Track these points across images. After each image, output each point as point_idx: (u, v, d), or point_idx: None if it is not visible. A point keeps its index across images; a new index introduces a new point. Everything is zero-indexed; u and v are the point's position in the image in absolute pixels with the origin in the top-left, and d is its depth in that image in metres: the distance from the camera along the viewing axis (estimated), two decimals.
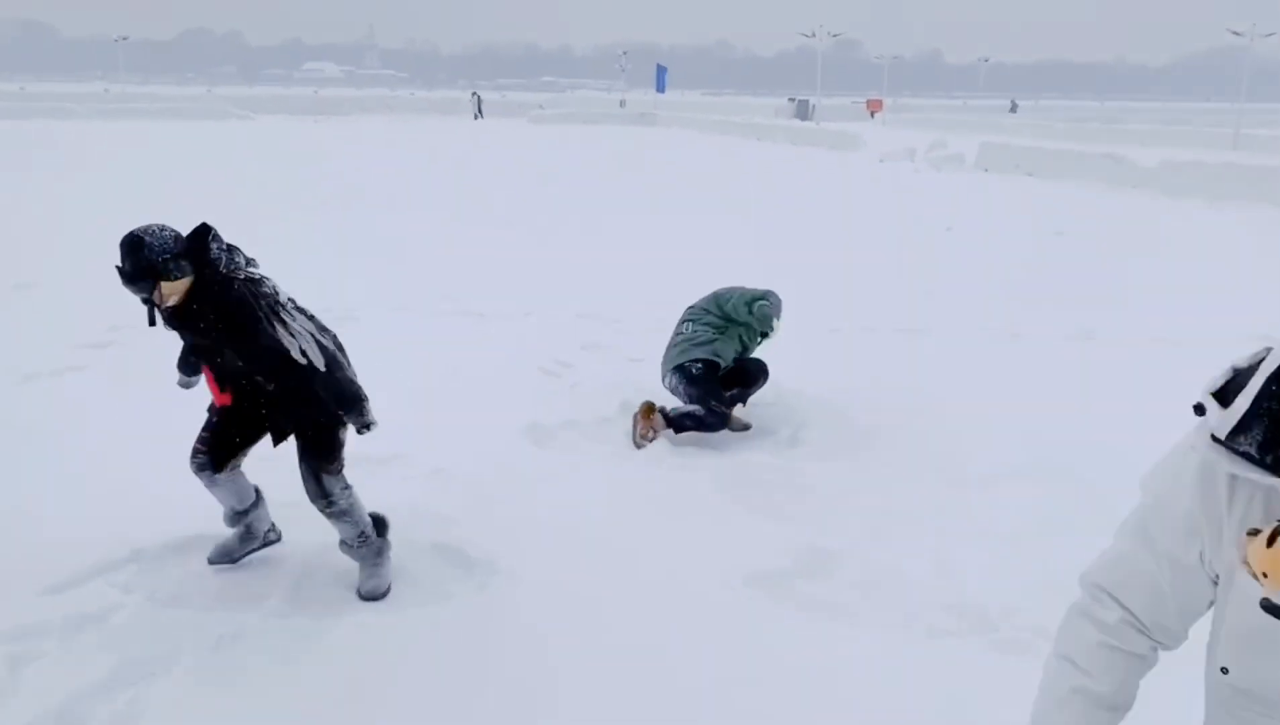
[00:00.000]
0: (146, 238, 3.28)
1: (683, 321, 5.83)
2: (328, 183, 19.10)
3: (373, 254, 11.25)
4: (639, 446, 5.40)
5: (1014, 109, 70.40)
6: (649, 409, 5.48)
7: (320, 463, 3.66)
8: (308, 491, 3.69)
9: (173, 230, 3.37)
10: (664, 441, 5.50)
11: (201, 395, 5.33)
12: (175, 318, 3.46)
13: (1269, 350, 1.34)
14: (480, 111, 54.48)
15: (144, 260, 3.26)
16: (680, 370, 5.57)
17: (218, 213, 13.78)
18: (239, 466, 3.86)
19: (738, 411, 5.71)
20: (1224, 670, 1.45)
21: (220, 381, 3.69)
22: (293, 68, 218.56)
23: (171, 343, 7.13)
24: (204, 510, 4.42)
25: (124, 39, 71.82)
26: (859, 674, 3.33)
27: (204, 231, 3.38)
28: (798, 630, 3.59)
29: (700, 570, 3.99)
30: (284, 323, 3.45)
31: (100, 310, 8.01)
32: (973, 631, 3.63)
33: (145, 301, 3.39)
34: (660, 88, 56.58)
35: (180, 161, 23.71)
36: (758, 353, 5.88)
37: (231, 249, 3.46)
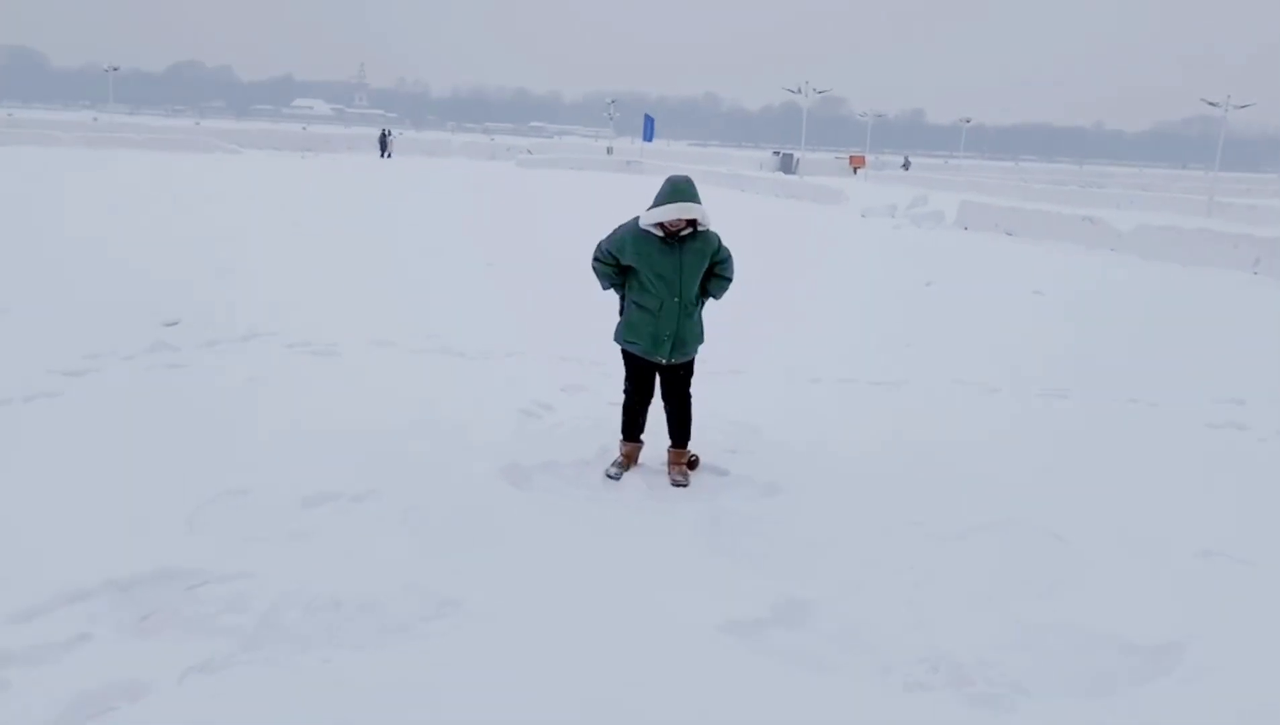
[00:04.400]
0: None
1: None
2: (314, 215, 19.12)
3: (356, 289, 11.24)
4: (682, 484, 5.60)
5: (906, 166, 71.79)
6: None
7: None
8: None
9: None
10: (644, 485, 5.49)
11: (181, 424, 5.32)
12: None
13: None
14: (387, 151, 52.87)
15: None
16: None
17: (195, 243, 13.69)
18: None
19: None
20: None
21: None
22: (282, 104, 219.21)
23: (145, 375, 7.11)
24: (178, 539, 4.38)
25: (115, 69, 71.83)
26: None
27: None
28: (773, 681, 3.56)
29: (674, 617, 3.96)
30: None
31: (76, 339, 7.96)
32: (948, 685, 3.62)
33: None
34: (648, 137, 57.11)
35: (161, 191, 23.67)
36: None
37: None
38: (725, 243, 5.53)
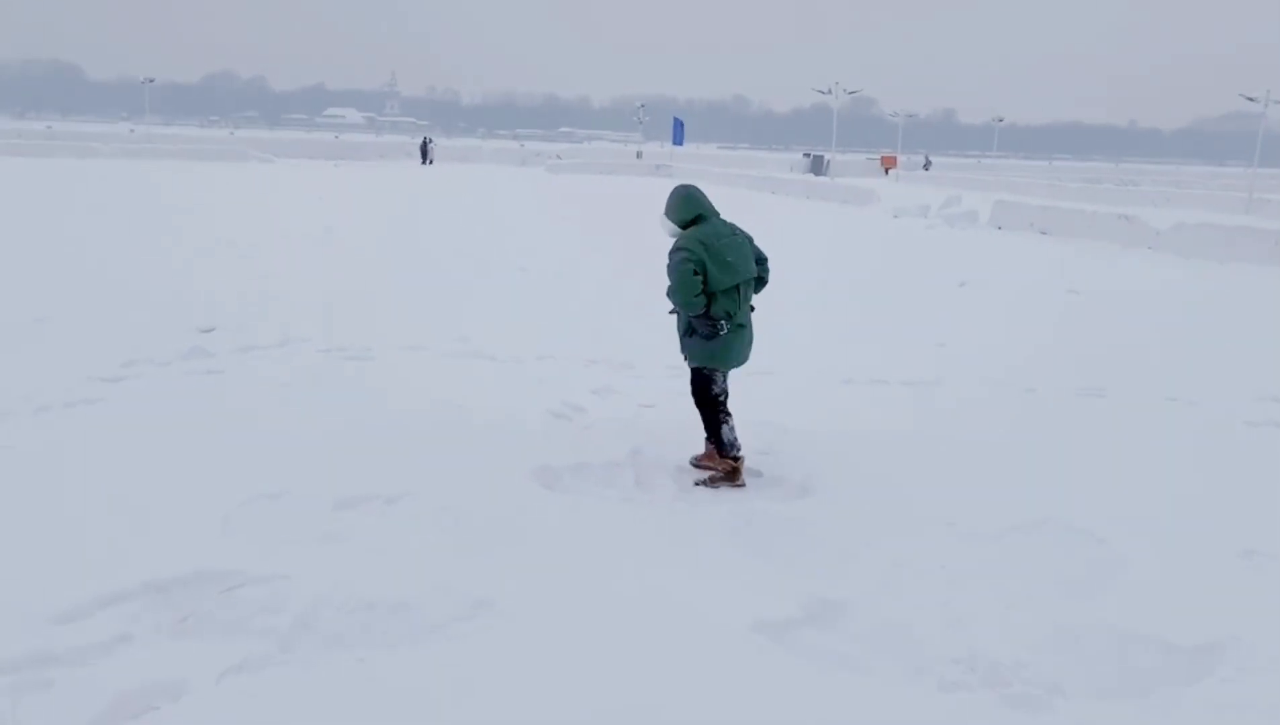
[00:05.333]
0: None
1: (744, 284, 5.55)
2: (346, 222, 19.30)
3: (388, 294, 11.34)
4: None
5: (927, 166, 70.76)
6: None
7: None
8: None
9: None
10: (675, 486, 5.49)
11: (217, 428, 5.38)
12: None
13: None
14: (429, 158, 53.60)
15: None
16: None
17: (229, 251, 13.86)
18: None
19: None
20: None
21: None
22: (315, 113, 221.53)
23: (182, 381, 7.21)
24: (215, 542, 4.44)
25: (150, 81, 73.11)
26: None
27: None
28: (806, 681, 3.55)
29: (706, 617, 3.95)
30: None
31: (114, 346, 8.09)
32: (984, 685, 3.58)
33: None
34: (677, 140, 57.04)
35: (198, 201, 24.00)
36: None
37: None
38: (679, 255, 5.33)
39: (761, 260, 5.64)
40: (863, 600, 4.17)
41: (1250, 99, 47.94)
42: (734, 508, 5.18)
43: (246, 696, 3.30)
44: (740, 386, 7.23)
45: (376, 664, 3.53)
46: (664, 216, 5.53)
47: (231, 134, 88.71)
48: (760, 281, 5.69)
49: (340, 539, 4.57)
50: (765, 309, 7.43)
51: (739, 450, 5.62)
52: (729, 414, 5.67)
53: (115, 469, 5.30)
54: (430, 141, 56.58)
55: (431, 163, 52.76)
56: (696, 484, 5.56)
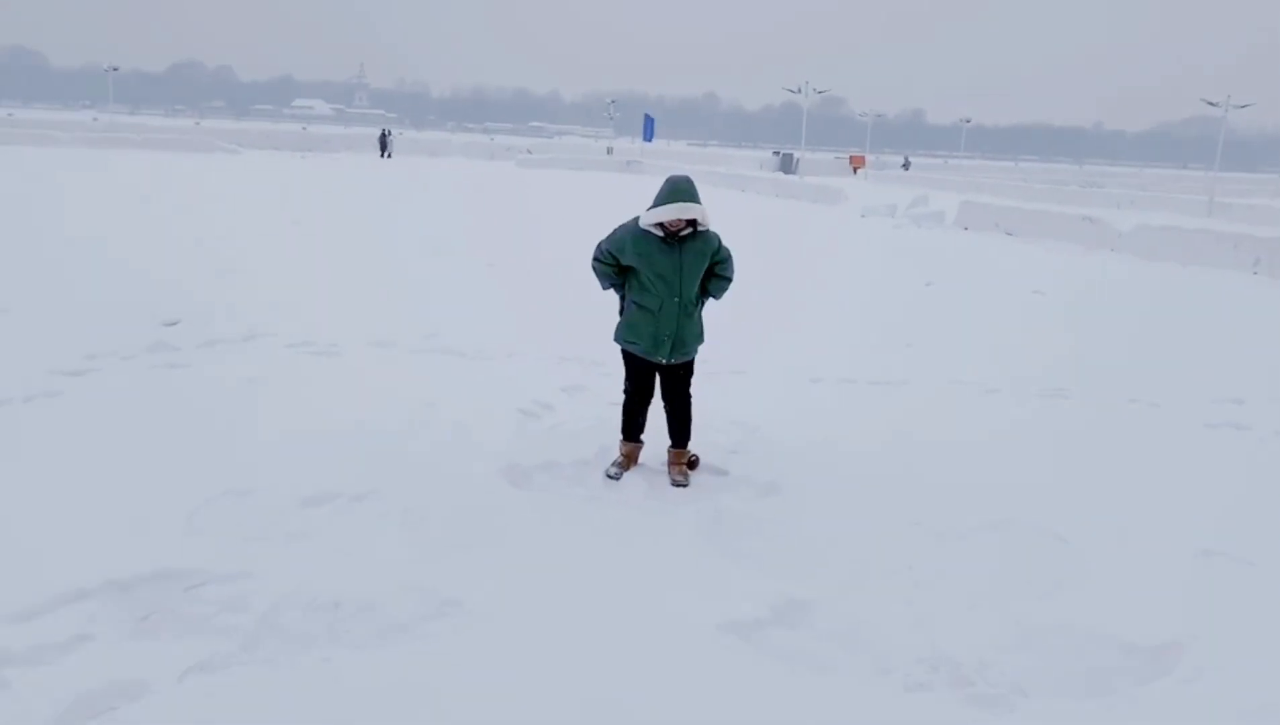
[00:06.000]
0: None
1: None
2: (314, 215, 19.11)
3: (356, 289, 11.24)
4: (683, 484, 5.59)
5: (906, 166, 71.35)
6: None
7: None
8: None
9: None
10: (645, 484, 5.49)
11: (181, 424, 5.29)
12: None
13: None
14: (387, 150, 53.10)
15: None
16: None
17: (194, 243, 13.64)
18: None
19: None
20: None
21: None
22: (282, 104, 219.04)
23: (145, 375, 7.10)
24: (177, 539, 4.38)
25: (114, 69, 71.90)
26: None
27: None
28: (773, 681, 3.57)
29: (674, 617, 3.96)
30: None
31: (76, 339, 7.96)
32: (948, 685, 3.62)
33: None
34: (648, 137, 57.13)
35: (161, 191, 23.67)
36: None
37: None
38: (725, 243, 5.53)
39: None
40: (830, 600, 4.20)
41: (1212, 104, 48.73)
42: (702, 507, 5.19)
43: (208, 697, 3.27)
44: (709, 385, 7.25)
45: (342, 664, 3.50)
46: (696, 204, 5.19)
47: (197, 124, 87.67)
48: None
49: (306, 537, 4.53)
50: (734, 308, 7.46)
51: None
52: None
53: (76, 464, 5.22)
54: (389, 133, 56.03)
55: (390, 156, 52.29)
56: (677, 485, 5.56)
